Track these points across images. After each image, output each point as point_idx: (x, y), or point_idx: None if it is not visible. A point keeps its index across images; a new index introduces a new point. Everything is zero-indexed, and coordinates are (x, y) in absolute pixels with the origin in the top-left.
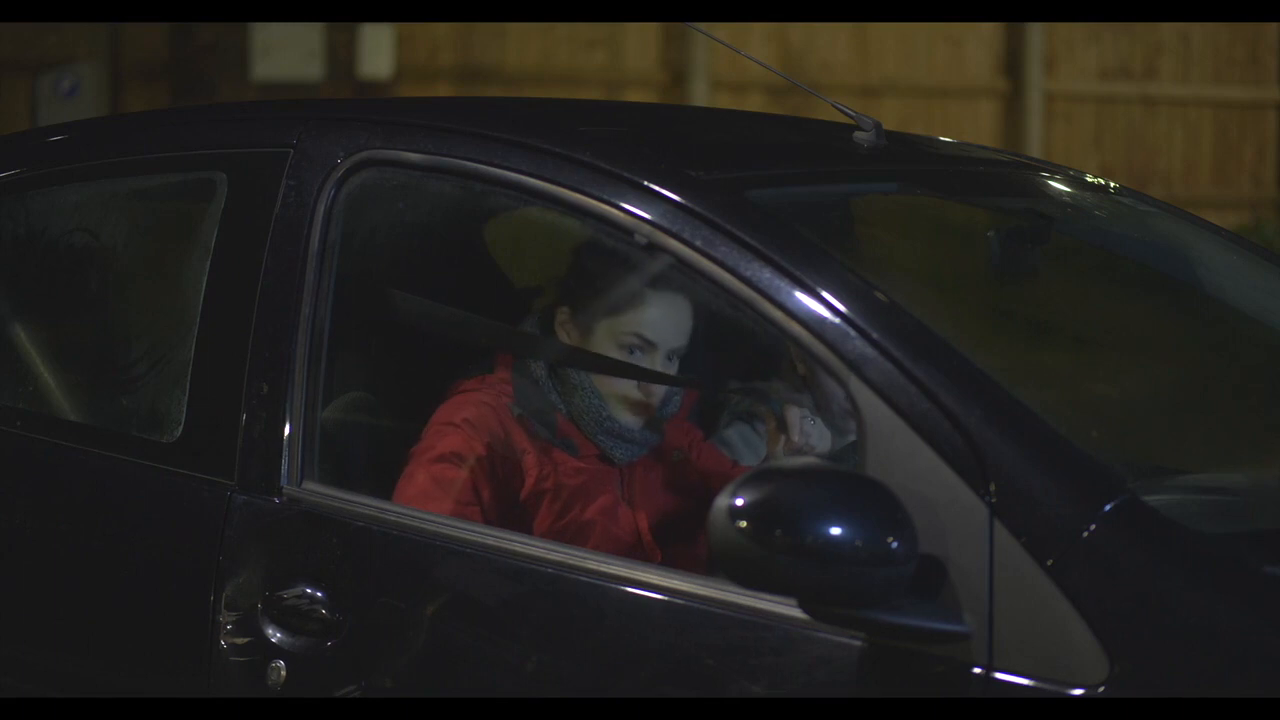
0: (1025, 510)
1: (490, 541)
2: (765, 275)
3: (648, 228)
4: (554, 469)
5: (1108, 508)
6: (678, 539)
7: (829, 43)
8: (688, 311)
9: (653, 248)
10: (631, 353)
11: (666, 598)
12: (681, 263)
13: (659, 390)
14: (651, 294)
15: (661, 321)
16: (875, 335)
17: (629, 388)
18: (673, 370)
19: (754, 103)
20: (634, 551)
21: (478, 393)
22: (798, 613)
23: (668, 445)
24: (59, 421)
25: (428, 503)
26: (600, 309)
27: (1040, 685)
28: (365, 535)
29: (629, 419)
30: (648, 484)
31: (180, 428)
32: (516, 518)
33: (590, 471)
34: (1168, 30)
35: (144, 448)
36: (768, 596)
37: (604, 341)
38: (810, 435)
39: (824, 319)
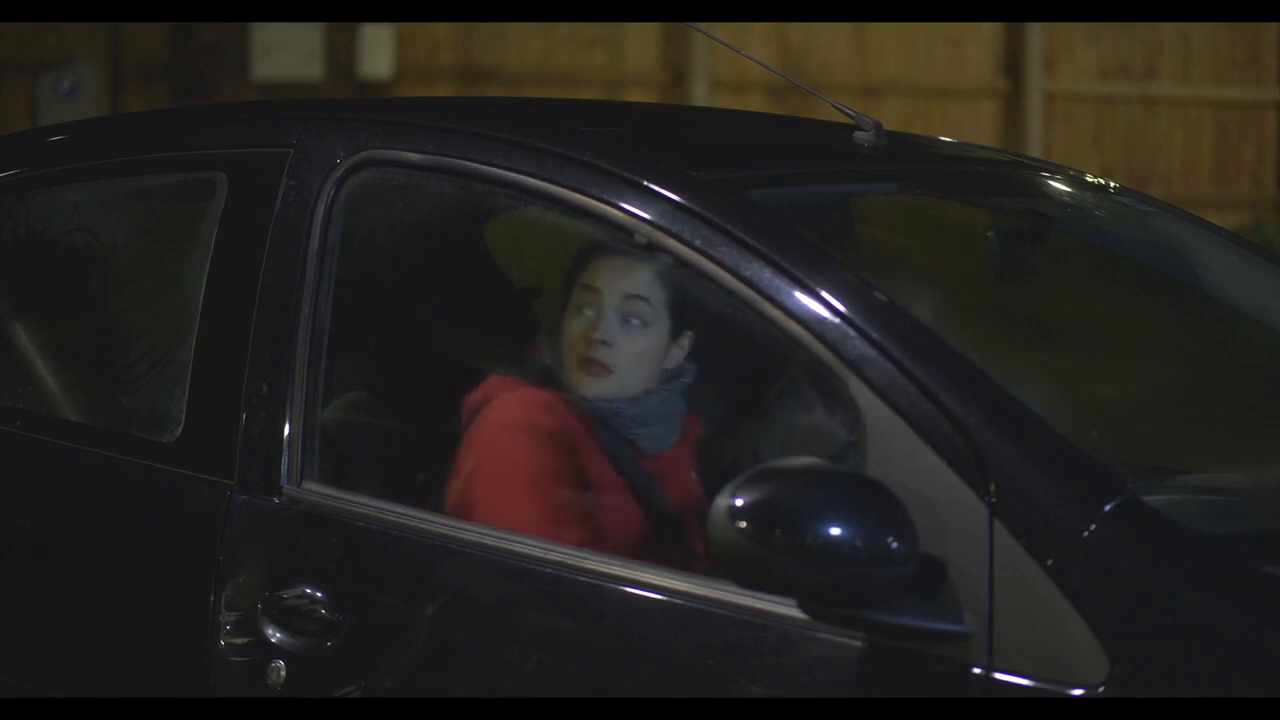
0: (1025, 510)
1: (490, 541)
2: (765, 275)
3: (648, 228)
4: (604, 461)
5: (1108, 508)
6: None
7: (829, 43)
8: (638, 260)
9: (653, 247)
10: (583, 312)
11: (666, 598)
12: (681, 263)
13: (615, 347)
14: (594, 246)
15: (604, 267)
16: (875, 335)
17: (582, 347)
18: (644, 334)
19: (754, 103)
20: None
21: (530, 390)
22: (798, 613)
23: (687, 456)
24: (59, 421)
25: (547, 530)
26: (571, 284)
27: (1040, 685)
28: (365, 535)
29: (588, 383)
30: (677, 487)
31: (180, 428)
32: (599, 526)
33: (633, 462)
34: (1168, 30)
35: (144, 448)
36: (768, 596)
37: (568, 315)
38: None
39: (824, 319)
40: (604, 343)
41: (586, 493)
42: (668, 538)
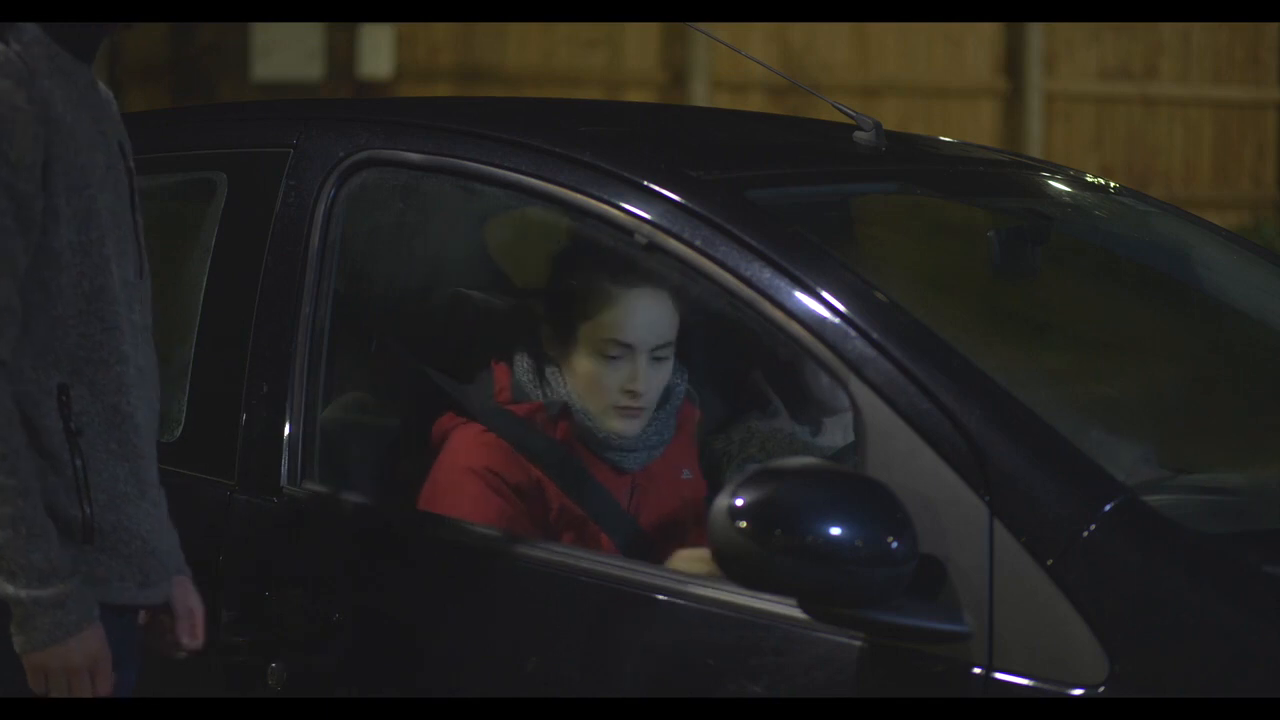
0: (1025, 510)
1: (491, 542)
2: (765, 275)
3: (648, 228)
4: (565, 495)
5: (1108, 508)
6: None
7: (829, 43)
8: (666, 304)
9: (652, 248)
10: (611, 360)
11: (666, 598)
12: (681, 263)
13: (648, 392)
14: (621, 293)
15: (634, 321)
16: (875, 335)
17: (615, 396)
18: (666, 365)
19: (754, 103)
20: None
21: (480, 430)
22: (798, 613)
23: (676, 455)
24: None
25: None
26: (576, 320)
27: (1040, 685)
28: (365, 535)
29: (623, 425)
30: (656, 495)
31: (180, 428)
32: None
33: (598, 489)
34: (1168, 30)
35: None
36: (768, 596)
37: (584, 355)
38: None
39: (824, 319)
40: (639, 391)
41: (547, 526)
42: (647, 551)
